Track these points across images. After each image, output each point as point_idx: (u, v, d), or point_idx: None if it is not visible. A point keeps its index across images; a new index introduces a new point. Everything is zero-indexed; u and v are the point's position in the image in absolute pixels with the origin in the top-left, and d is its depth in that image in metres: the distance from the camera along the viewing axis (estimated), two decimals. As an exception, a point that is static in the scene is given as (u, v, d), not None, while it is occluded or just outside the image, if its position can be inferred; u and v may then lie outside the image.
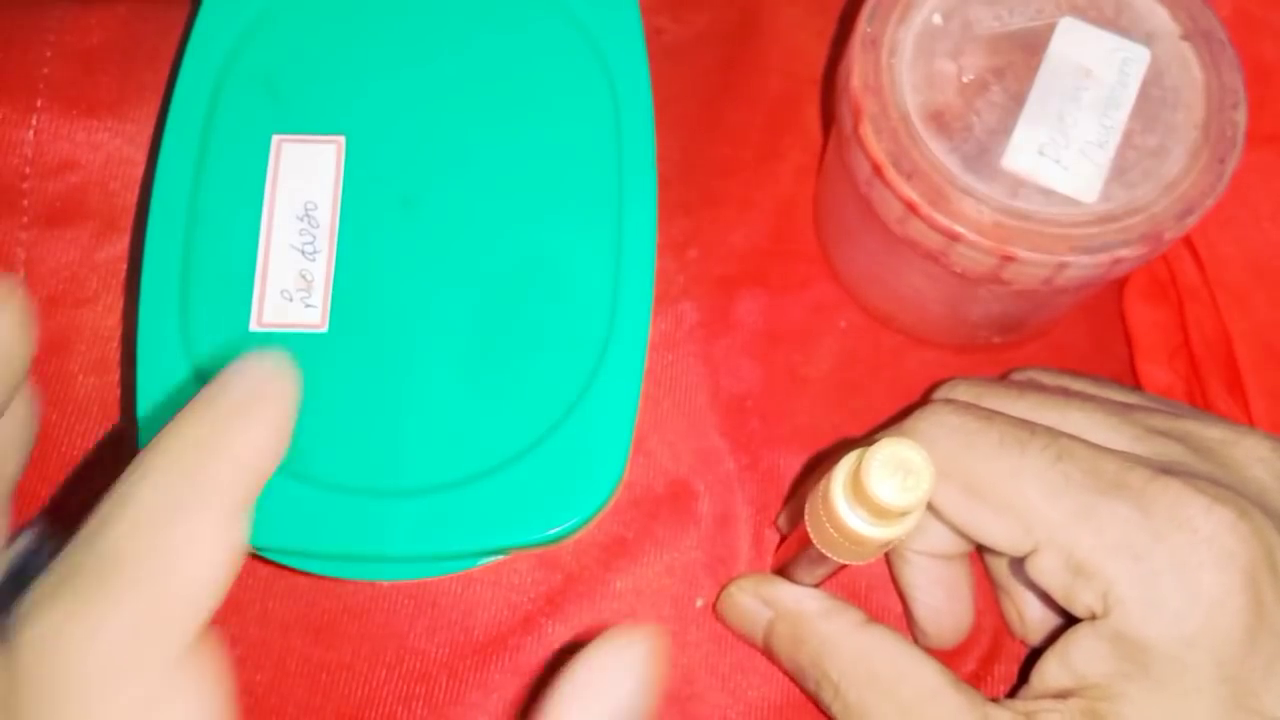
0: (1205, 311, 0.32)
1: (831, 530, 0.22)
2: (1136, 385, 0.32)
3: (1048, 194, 0.25)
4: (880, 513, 0.21)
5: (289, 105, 0.29)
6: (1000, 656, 0.29)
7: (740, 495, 0.30)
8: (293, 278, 0.28)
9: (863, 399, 0.31)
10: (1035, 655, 0.25)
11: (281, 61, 0.30)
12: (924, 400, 0.29)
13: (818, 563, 0.25)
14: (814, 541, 0.23)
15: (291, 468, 0.26)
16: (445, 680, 0.29)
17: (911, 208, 0.25)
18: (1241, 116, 0.26)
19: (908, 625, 0.29)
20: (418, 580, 0.29)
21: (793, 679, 0.27)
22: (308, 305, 0.28)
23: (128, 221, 0.32)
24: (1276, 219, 0.32)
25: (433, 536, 0.26)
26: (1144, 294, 0.33)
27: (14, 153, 0.32)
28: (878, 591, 0.30)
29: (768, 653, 0.27)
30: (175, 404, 0.26)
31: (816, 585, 0.27)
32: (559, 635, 0.29)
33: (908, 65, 0.26)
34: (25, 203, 0.32)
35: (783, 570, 0.27)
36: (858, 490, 0.21)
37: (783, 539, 0.30)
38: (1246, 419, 0.31)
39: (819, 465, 0.31)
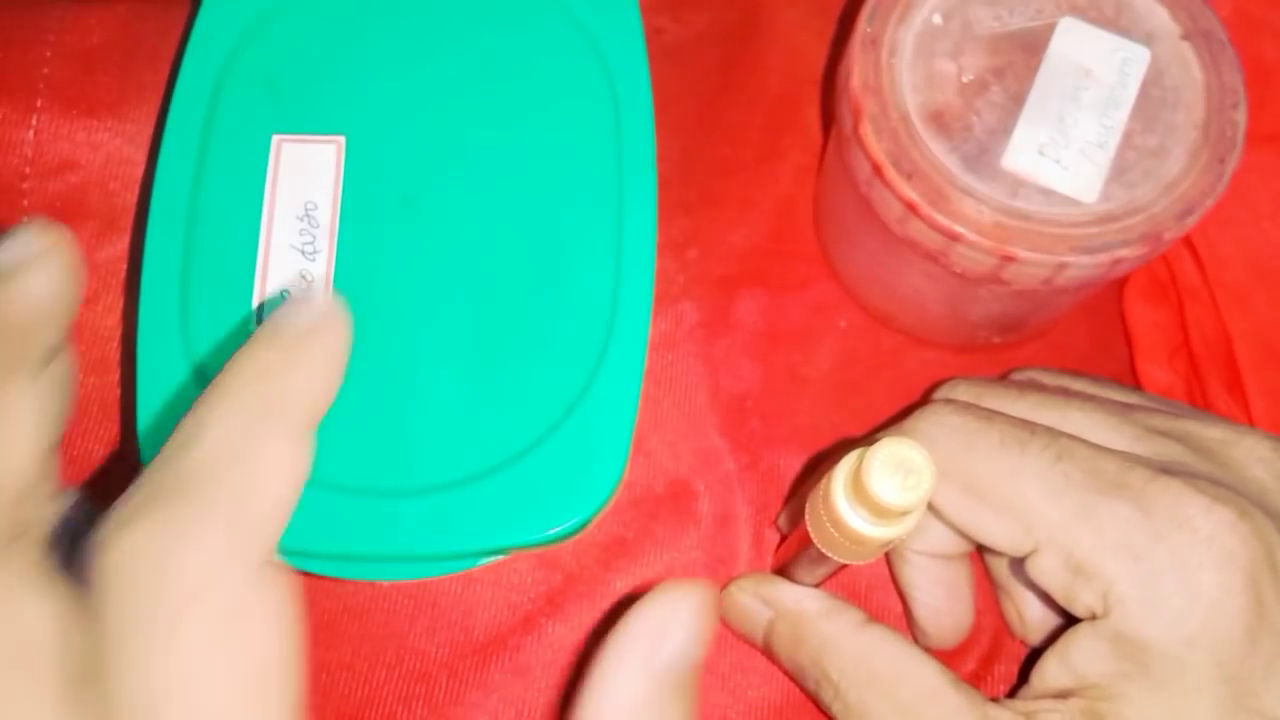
0: (1205, 311, 0.32)
1: (832, 530, 0.22)
2: (1136, 385, 0.32)
3: (1048, 194, 0.25)
4: (881, 512, 0.21)
5: (289, 105, 0.29)
6: (1000, 656, 0.29)
7: (740, 495, 0.30)
8: (293, 278, 0.28)
9: (863, 399, 0.31)
10: (1035, 655, 0.25)
11: (281, 61, 0.30)
12: (924, 400, 0.29)
13: (818, 563, 0.25)
14: (814, 541, 0.23)
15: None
16: (445, 680, 0.29)
17: (911, 208, 0.25)
18: (1241, 116, 0.26)
19: (908, 625, 0.29)
20: (418, 580, 0.29)
21: (793, 679, 0.27)
22: (308, 305, 0.28)
23: (128, 221, 0.32)
24: (1276, 219, 0.32)
25: (433, 536, 0.26)
26: (1144, 294, 0.33)
27: (14, 153, 0.32)
28: (878, 591, 0.30)
29: (768, 652, 0.27)
30: (175, 404, 0.26)
31: (816, 585, 0.27)
32: (559, 635, 0.29)
33: (908, 65, 0.26)
34: (25, 203, 0.32)
35: (783, 570, 0.27)
36: (858, 490, 0.21)
37: (783, 539, 0.30)
38: (1246, 419, 0.31)
39: (819, 465, 0.31)
